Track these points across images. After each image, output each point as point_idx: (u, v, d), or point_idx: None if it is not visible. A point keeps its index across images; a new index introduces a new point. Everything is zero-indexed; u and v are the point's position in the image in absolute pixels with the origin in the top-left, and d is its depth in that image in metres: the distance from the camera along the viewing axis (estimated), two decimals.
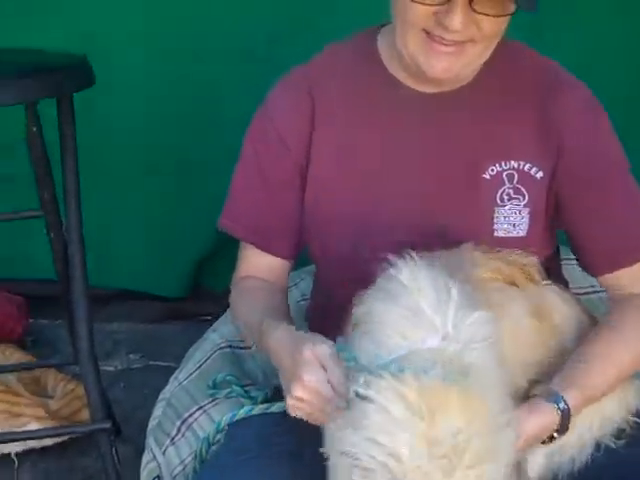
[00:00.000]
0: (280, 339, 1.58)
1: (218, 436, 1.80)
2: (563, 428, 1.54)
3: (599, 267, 1.74)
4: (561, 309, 1.67)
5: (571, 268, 1.95)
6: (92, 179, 2.90)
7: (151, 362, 2.89)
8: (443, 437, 1.27)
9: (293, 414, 1.49)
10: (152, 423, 2.17)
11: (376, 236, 1.74)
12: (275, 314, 1.71)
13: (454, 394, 1.28)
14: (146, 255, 3.06)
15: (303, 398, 1.46)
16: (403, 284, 1.41)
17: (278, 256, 1.83)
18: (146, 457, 2.10)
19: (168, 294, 3.10)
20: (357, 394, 1.34)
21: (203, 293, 3.09)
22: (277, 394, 1.89)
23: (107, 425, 2.09)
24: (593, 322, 1.72)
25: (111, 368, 2.86)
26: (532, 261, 1.66)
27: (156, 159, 2.95)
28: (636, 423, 1.65)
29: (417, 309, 1.37)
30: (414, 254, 1.46)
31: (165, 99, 2.87)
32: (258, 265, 1.84)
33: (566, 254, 1.91)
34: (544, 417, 1.52)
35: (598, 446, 1.61)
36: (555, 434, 1.54)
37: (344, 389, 1.41)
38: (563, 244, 1.87)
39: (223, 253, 2.96)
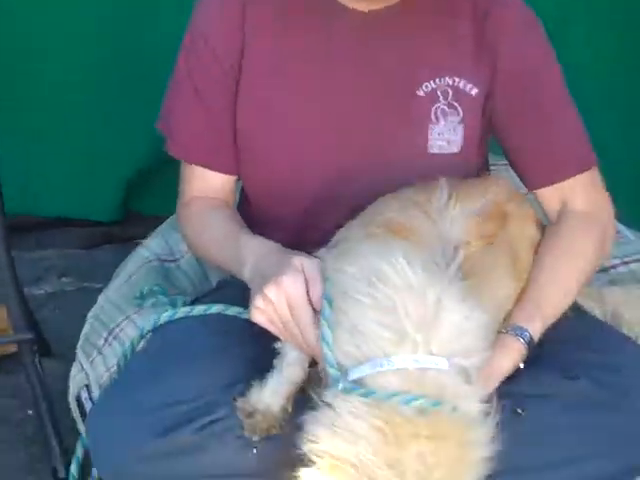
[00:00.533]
0: (267, 247, 1.59)
1: (142, 341, 1.81)
2: (528, 356, 1.59)
3: (535, 181, 1.77)
4: (528, 246, 1.67)
5: (497, 173, 1.98)
6: (18, 103, 2.90)
7: (85, 284, 2.88)
8: (407, 462, 1.28)
9: (254, 318, 1.50)
10: (81, 339, 2.19)
11: (311, 156, 1.75)
12: (242, 224, 1.73)
13: (423, 424, 1.29)
14: (76, 180, 3.05)
15: (273, 301, 1.46)
16: (389, 296, 1.35)
17: (223, 172, 1.82)
18: (74, 369, 2.13)
19: (100, 219, 3.10)
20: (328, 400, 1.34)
21: (136, 217, 3.08)
22: (199, 301, 1.91)
23: (29, 336, 2.09)
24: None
25: (41, 292, 2.86)
26: (503, 187, 1.66)
27: (81, 79, 2.90)
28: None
29: (400, 326, 1.34)
30: (402, 258, 1.37)
31: (87, 14, 2.82)
32: (204, 186, 1.83)
33: (493, 160, 1.95)
34: (514, 354, 1.57)
35: None
36: (521, 364, 1.59)
37: (318, 307, 1.42)
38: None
39: (155, 177, 2.97)
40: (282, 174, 1.78)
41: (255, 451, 1.52)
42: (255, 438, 1.53)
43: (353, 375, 1.34)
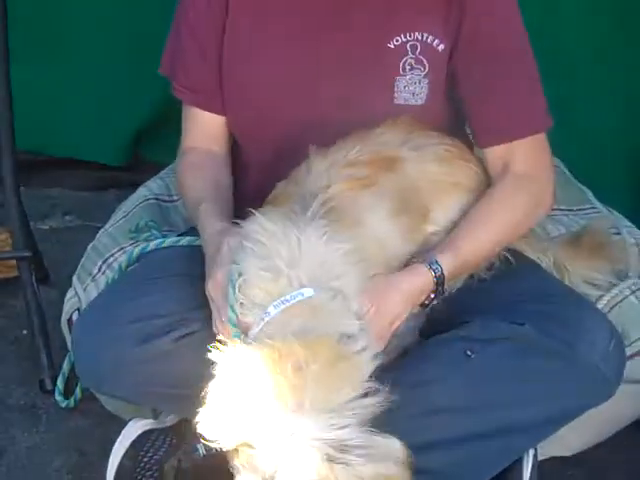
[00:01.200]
0: (212, 232, 1.76)
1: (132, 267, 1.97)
2: (439, 291, 1.74)
3: (485, 139, 1.88)
4: (430, 184, 1.81)
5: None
6: (37, 45, 3.05)
7: (87, 223, 3.04)
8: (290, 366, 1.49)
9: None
10: (78, 268, 2.36)
11: (283, 103, 1.90)
12: (217, 192, 1.90)
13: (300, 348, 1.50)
14: (87, 123, 3.18)
15: (211, 294, 1.67)
16: (264, 244, 1.63)
17: (219, 113, 1.98)
18: (69, 294, 2.30)
19: (109, 162, 3.24)
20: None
21: (142, 163, 3.22)
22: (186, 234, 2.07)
23: (28, 254, 2.25)
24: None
25: (46, 227, 3.02)
26: (397, 134, 1.80)
27: (97, 24, 3.04)
28: (505, 257, 1.87)
29: (275, 265, 1.60)
30: (263, 212, 1.67)
31: None
32: (203, 129, 2.00)
33: None
34: (419, 278, 1.72)
35: (472, 276, 1.85)
36: (432, 295, 1.74)
37: None
38: None
39: (163, 125, 3.10)
40: (251, 114, 1.93)
41: None
42: None
43: (251, 335, 1.58)
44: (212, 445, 1.49)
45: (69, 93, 3.14)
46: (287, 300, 1.58)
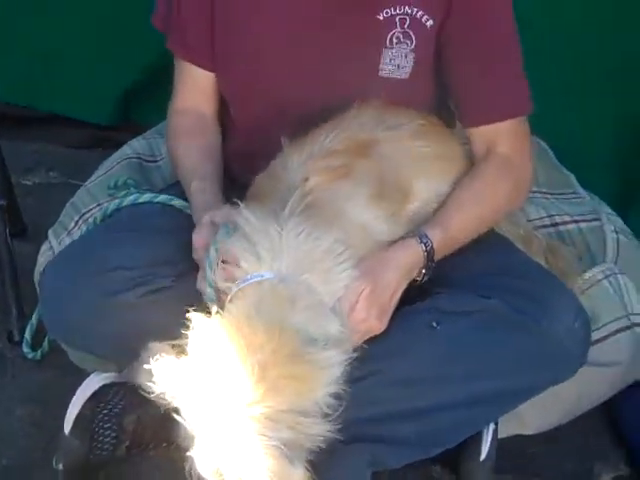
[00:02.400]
0: (199, 203, 1.84)
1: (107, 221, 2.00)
2: (429, 266, 1.78)
3: (472, 117, 1.92)
4: (411, 160, 1.84)
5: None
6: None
7: (71, 180, 3.06)
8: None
9: None
10: (56, 224, 2.39)
11: (264, 63, 1.92)
12: (209, 163, 1.95)
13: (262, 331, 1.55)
14: (77, 80, 3.20)
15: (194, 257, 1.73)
16: (247, 234, 1.66)
17: (210, 70, 2.00)
18: (44, 247, 2.35)
19: (96, 121, 3.27)
20: None
21: (131, 124, 3.23)
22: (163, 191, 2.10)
23: (1, 202, 2.29)
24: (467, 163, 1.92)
25: (29, 182, 3.05)
26: (369, 118, 1.82)
27: None
28: None
29: (260, 256, 1.64)
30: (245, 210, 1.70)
31: None
32: (194, 86, 2.03)
33: None
34: (410, 251, 1.76)
35: None
36: (423, 270, 1.78)
37: None
38: None
39: (154, 86, 3.12)
40: (238, 75, 1.96)
41: None
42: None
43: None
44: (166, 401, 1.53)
45: (59, 47, 3.15)
46: (247, 279, 1.61)
